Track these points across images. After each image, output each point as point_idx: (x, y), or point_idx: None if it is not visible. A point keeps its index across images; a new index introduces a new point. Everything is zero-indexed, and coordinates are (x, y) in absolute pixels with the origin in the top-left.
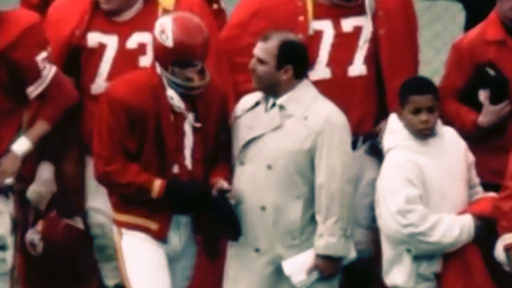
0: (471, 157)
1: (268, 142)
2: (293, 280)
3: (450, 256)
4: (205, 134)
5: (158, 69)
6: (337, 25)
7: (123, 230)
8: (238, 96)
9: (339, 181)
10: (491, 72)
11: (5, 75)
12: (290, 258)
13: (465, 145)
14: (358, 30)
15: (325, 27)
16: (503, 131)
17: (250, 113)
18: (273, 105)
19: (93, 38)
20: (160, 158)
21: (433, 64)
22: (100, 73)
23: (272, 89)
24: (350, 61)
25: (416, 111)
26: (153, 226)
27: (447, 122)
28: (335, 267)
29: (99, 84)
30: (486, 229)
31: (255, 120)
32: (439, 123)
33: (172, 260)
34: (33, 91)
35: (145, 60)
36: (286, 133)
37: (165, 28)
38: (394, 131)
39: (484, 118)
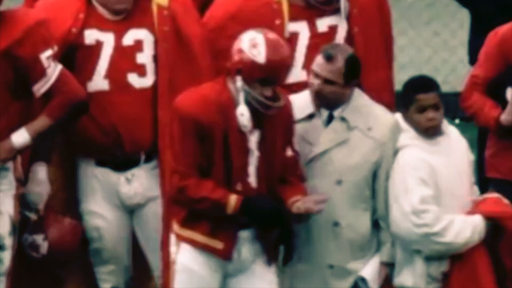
0: (471, 156)
1: (334, 157)
2: None
3: (457, 257)
4: (271, 152)
5: (239, 83)
6: (312, 26)
7: (183, 245)
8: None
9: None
10: None
11: (10, 73)
12: (363, 269)
13: (466, 143)
14: (333, 29)
15: (301, 28)
16: None
17: (303, 125)
18: (331, 116)
19: (90, 36)
20: (226, 175)
21: (433, 62)
22: (98, 71)
23: (334, 104)
24: None
25: (422, 109)
26: (218, 245)
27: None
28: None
29: (97, 82)
30: (493, 230)
31: (313, 134)
32: (444, 122)
33: (237, 275)
34: (39, 89)
35: (142, 57)
36: (353, 147)
37: (257, 44)
38: (402, 130)
39: (506, 116)
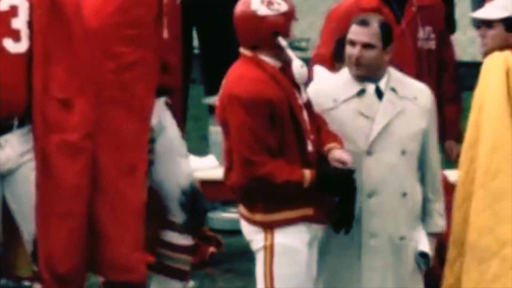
0: None
1: (395, 128)
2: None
3: None
4: (310, 104)
5: (283, 42)
6: None
7: (275, 229)
8: (121, 68)
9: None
10: None
11: None
12: (420, 244)
13: None
14: None
15: None
16: None
17: (357, 102)
18: (378, 90)
19: None
20: (298, 141)
21: (300, 26)
22: None
23: (375, 73)
24: None
25: None
26: (310, 212)
27: None
28: None
29: None
30: None
31: (370, 108)
32: None
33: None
34: None
35: (17, 23)
36: (408, 116)
37: (271, 0)
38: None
39: None
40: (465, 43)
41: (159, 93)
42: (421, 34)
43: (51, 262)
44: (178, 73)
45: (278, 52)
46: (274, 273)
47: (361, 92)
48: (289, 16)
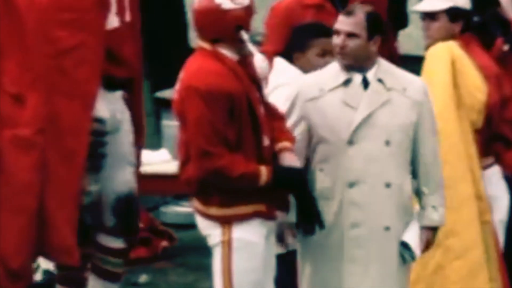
0: None
1: (379, 119)
2: (416, 257)
3: None
4: (265, 98)
5: (245, 36)
6: None
7: (233, 223)
8: (60, 53)
9: (438, 150)
10: None
11: None
12: (405, 235)
13: None
14: None
15: None
16: None
17: (342, 91)
18: (365, 80)
19: None
20: (255, 137)
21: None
22: None
23: (362, 63)
24: None
25: (324, 53)
26: (262, 207)
27: None
28: None
29: None
30: None
31: (354, 98)
32: None
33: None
34: None
35: None
36: (395, 107)
37: None
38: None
39: None
40: (417, 37)
41: (114, 86)
42: None
43: (4, 257)
44: (134, 65)
45: (239, 46)
46: (232, 267)
47: (347, 82)
48: (250, 9)
